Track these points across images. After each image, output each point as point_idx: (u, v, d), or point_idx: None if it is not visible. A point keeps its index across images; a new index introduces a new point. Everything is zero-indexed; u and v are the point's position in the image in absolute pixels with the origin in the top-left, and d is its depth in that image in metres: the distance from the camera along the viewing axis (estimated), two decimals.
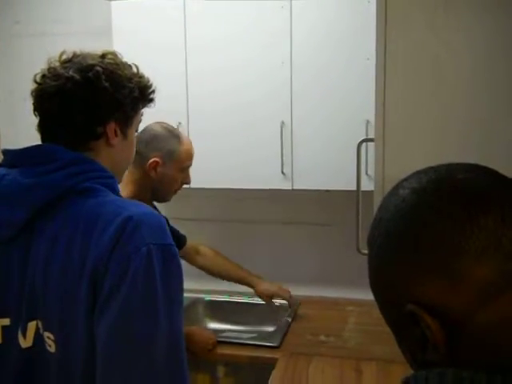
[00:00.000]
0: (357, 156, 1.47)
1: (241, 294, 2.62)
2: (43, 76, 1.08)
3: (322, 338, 2.19)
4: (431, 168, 0.64)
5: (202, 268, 2.33)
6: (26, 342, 1.01)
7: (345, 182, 2.02)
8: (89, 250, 0.95)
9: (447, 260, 0.55)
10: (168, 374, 0.95)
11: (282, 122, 2.25)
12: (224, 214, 2.72)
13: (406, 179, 0.65)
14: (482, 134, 1.14)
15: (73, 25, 2.69)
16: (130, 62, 1.16)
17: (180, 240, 2.20)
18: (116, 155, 1.13)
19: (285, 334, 2.23)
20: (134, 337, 0.93)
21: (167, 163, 1.92)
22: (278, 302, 2.55)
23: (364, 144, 1.69)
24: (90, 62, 1.07)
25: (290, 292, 2.38)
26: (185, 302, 2.48)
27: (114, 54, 1.13)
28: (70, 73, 1.05)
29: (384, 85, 1.14)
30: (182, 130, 2.34)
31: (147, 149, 1.92)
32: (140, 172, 1.92)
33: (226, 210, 2.72)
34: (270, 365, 1.97)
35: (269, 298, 2.35)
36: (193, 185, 2.37)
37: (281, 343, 2.14)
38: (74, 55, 1.10)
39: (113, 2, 2.37)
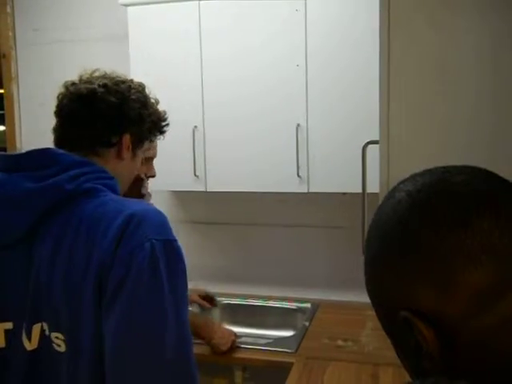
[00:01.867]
0: (362, 158, 1.45)
1: (257, 297, 2.62)
2: (73, 83, 1.16)
3: (340, 342, 2.16)
4: (428, 170, 0.62)
5: None
6: (31, 345, 1.02)
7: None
8: (93, 249, 0.97)
9: (441, 265, 0.53)
10: (176, 364, 0.96)
11: (298, 125, 2.23)
12: (239, 217, 2.71)
13: (402, 182, 0.63)
14: (488, 134, 1.11)
15: (90, 31, 2.72)
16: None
17: None
18: (121, 169, 1.18)
19: (302, 339, 2.21)
20: (141, 330, 0.94)
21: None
22: (294, 305, 2.54)
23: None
24: (122, 78, 1.18)
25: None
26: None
27: (139, 82, 1.24)
28: (104, 81, 1.14)
29: (388, 86, 1.12)
30: (199, 134, 2.35)
31: None
32: None
33: (241, 213, 2.71)
34: (286, 369, 1.96)
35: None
36: (209, 188, 2.38)
37: (297, 349, 2.12)
38: (106, 73, 1.19)
39: (129, 8, 2.38)
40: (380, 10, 1.12)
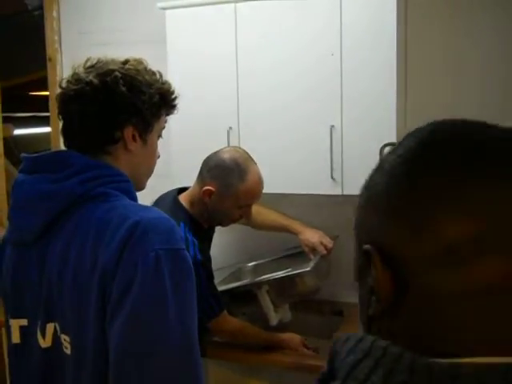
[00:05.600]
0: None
1: None
2: (67, 81, 1.12)
3: None
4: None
5: (248, 225, 2.30)
6: (45, 343, 1.05)
7: None
8: (98, 256, 0.96)
9: (423, 209, 0.50)
10: (181, 374, 0.95)
11: (332, 126, 2.21)
12: None
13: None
14: None
15: (130, 34, 2.78)
16: (154, 69, 1.18)
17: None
18: (135, 161, 1.14)
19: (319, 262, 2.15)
20: (143, 340, 0.93)
21: (223, 195, 1.90)
22: None
23: None
24: (111, 67, 1.10)
25: (331, 244, 2.23)
26: (230, 269, 2.46)
27: (137, 60, 1.15)
28: (90, 77, 1.08)
29: (405, 87, 1.10)
30: (233, 135, 2.35)
31: (208, 174, 1.92)
32: (198, 191, 1.93)
33: None
34: (314, 372, 1.93)
35: (310, 250, 2.23)
36: None
37: (314, 268, 2.08)
38: (98, 61, 1.13)
39: (167, 11, 2.42)
40: (397, 8, 1.10)
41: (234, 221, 2.01)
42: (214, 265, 2.11)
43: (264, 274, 2.23)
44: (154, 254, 0.94)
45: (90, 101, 1.08)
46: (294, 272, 2.11)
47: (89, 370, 0.98)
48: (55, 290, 1.02)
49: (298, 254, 2.37)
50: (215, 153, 1.97)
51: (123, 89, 1.08)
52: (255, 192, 1.96)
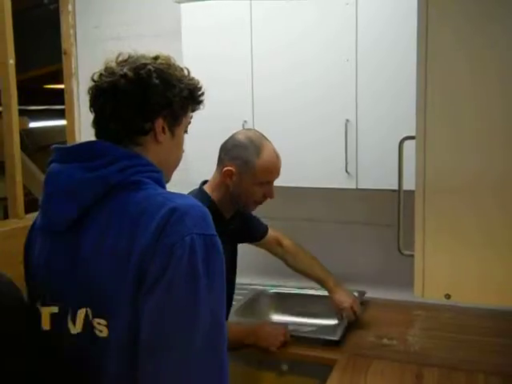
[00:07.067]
0: (398, 154, 1.42)
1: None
2: (100, 75, 1.15)
3: (385, 341, 2.14)
4: None
5: (283, 259, 2.37)
6: (75, 329, 1.07)
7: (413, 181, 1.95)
8: (135, 240, 1.00)
9: None
10: (207, 352, 0.98)
11: (347, 120, 2.21)
12: (287, 212, 2.72)
13: None
14: None
15: (145, 28, 2.80)
16: (182, 66, 1.21)
17: (259, 229, 2.29)
18: (163, 152, 1.18)
19: (346, 329, 2.20)
20: (174, 318, 0.97)
21: (243, 174, 1.92)
22: None
23: None
24: (143, 61, 1.14)
25: (360, 311, 2.29)
26: (250, 294, 2.50)
27: (167, 56, 1.20)
28: (124, 70, 1.12)
29: (425, 80, 1.10)
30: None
31: (225, 156, 1.95)
32: (219, 176, 1.96)
33: (288, 209, 2.72)
34: (330, 365, 1.95)
35: (339, 310, 2.28)
36: None
37: (341, 336, 2.13)
38: (130, 56, 1.17)
39: (182, 5, 2.43)
40: (418, 5, 1.11)
41: (257, 201, 2.01)
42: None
43: (286, 313, 2.43)
44: (190, 238, 0.99)
45: (124, 93, 1.11)
46: (320, 337, 2.17)
47: (130, 350, 1.01)
48: (90, 275, 1.04)
49: (324, 297, 2.39)
50: (230, 136, 2.01)
51: (157, 81, 1.12)
52: (272, 167, 1.97)
